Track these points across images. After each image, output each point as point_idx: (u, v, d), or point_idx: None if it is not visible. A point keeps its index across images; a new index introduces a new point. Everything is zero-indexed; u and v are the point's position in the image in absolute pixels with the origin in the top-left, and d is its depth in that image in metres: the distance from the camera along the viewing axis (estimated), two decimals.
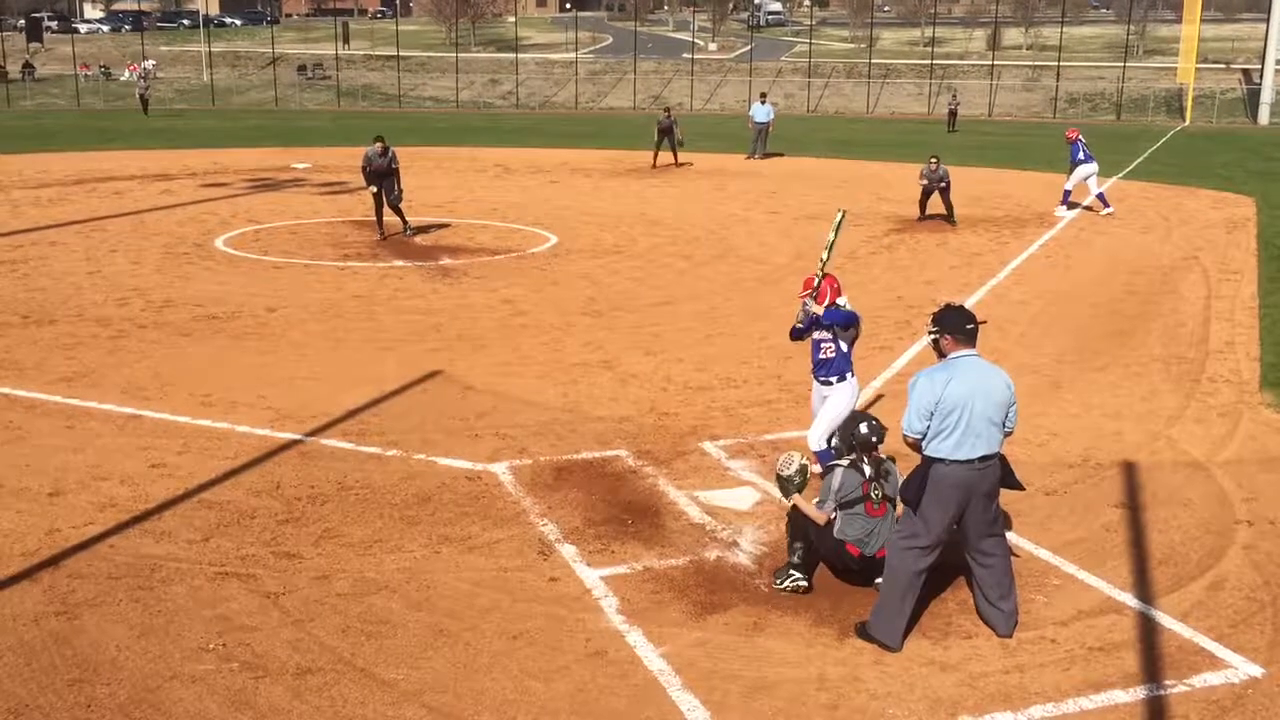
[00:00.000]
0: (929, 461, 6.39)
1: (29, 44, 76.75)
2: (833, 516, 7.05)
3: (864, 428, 7.17)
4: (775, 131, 35.67)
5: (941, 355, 6.62)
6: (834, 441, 7.32)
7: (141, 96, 52.73)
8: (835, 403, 8.76)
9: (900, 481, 6.88)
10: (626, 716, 5.84)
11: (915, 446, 6.49)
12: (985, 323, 6.87)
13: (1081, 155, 23.24)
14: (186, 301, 14.94)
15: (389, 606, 6.91)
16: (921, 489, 6.38)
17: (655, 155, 32.08)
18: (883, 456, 7.25)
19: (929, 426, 6.35)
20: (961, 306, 6.71)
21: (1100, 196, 23.35)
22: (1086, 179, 23.34)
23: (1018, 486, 6.78)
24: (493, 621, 6.74)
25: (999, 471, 6.53)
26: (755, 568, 7.49)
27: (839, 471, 7.10)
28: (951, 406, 6.30)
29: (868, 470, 7.08)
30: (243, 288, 15.87)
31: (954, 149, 38.38)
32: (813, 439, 8.88)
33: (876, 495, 7.03)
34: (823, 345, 8.82)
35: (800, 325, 8.76)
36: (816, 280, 8.89)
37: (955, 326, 6.51)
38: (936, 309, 6.80)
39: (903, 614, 6.47)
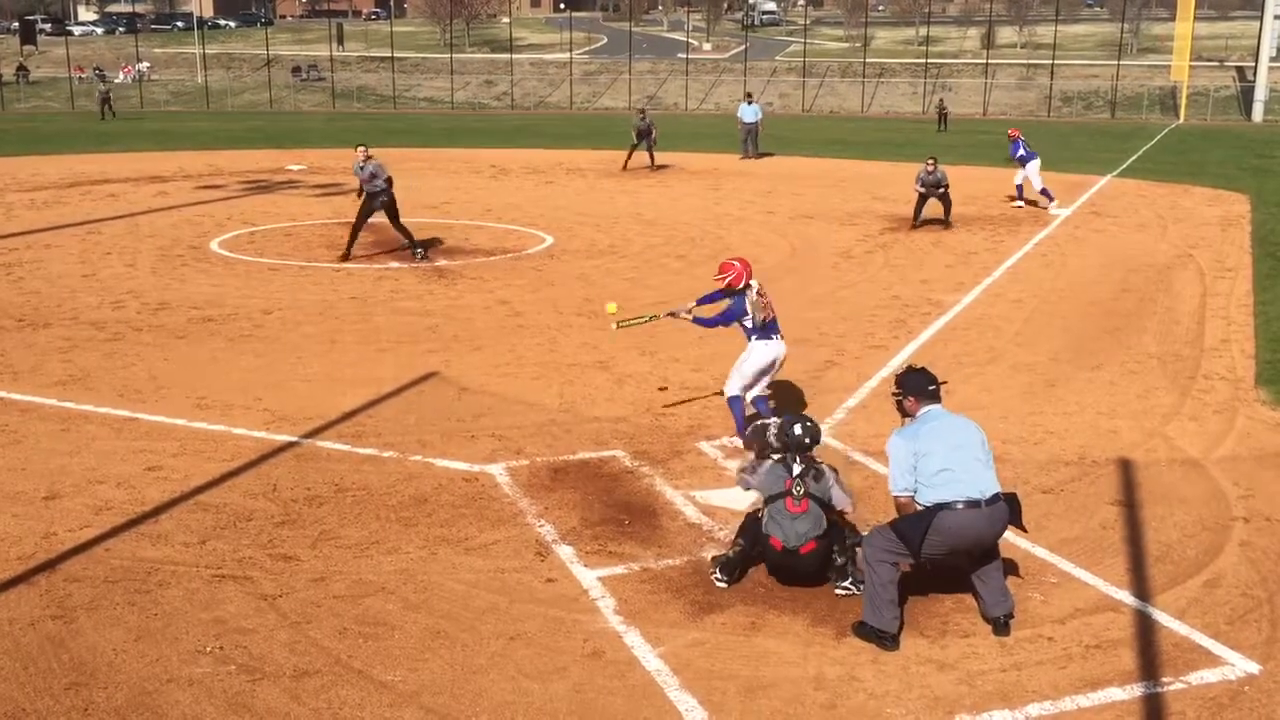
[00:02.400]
0: (934, 509, 6.41)
1: (22, 46, 76.68)
2: (760, 513, 7.19)
3: (798, 429, 7.25)
4: (768, 131, 35.73)
5: (906, 415, 6.82)
6: (770, 435, 7.39)
7: (103, 98, 50.25)
8: (742, 356, 9.83)
9: (833, 484, 7.16)
10: (624, 717, 5.84)
11: (909, 506, 6.54)
12: (946, 383, 7.02)
13: (1022, 151, 24.14)
14: (182, 304, 14.93)
15: (386, 608, 6.90)
16: (923, 536, 6.41)
17: (629, 157, 31.63)
18: (818, 460, 7.31)
19: (916, 481, 6.46)
20: (923, 369, 6.89)
21: (1019, 187, 24.62)
22: (1029, 175, 24.24)
23: (1021, 528, 6.81)
24: (490, 623, 6.74)
25: (1006, 514, 6.54)
26: (752, 567, 7.48)
27: (767, 464, 7.21)
28: (930, 451, 6.45)
29: (795, 469, 7.13)
30: (238, 290, 15.85)
31: (947, 148, 38.44)
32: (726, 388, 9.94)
33: (798, 492, 7.05)
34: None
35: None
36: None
37: (918, 388, 6.73)
38: (899, 373, 7.01)
39: (892, 603, 6.48)
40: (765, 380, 9.91)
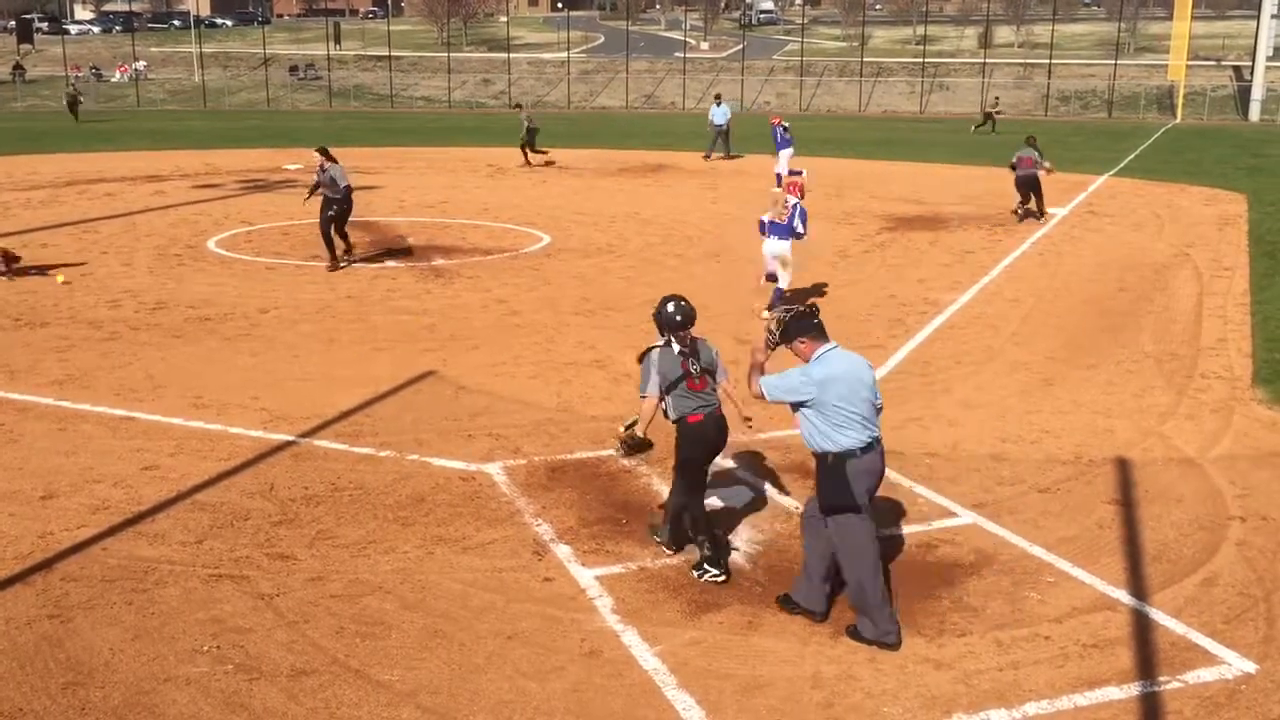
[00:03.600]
0: (841, 459, 6.46)
1: (19, 45, 76.55)
2: (663, 406, 7.25)
3: (670, 307, 7.29)
4: (765, 131, 35.57)
5: (804, 359, 6.74)
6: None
7: (71, 100, 47.67)
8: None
9: (715, 357, 7.36)
10: (622, 716, 5.84)
11: (824, 454, 6.51)
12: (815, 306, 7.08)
13: (778, 139, 26.30)
14: (179, 303, 14.91)
15: (383, 608, 6.90)
16: (848, 490, 6.46)
17: (525, 153, 31.59)
18: (695, 336, 7.41)
19: (814, 405, 6.46)
20: (799, 309, 6.83)
21: (780, 176, 25.54)
22: (781, 161, 26.42)
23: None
24: (488, 622, 6.74)
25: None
26: (749, 566, 7.49)
27: (655, 353, 7.29)
28: (839, 399, 6.45)
29: (675, 347, 7.25)
30: (235, 289, 15.84)
31: (946, 146, 38.46)
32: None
33: (695, 370, 7.22)
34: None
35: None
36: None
37: (810, 329, 6.71)
38: (780, 324, 6.88)
39: (877, 581, 6.53)
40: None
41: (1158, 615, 6.87)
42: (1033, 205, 22.55)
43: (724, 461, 9.34)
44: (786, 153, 26.57)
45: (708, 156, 33.91)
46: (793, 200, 14.17)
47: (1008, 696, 6.01)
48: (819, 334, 6.69)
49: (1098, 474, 9.19)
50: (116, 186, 26.96)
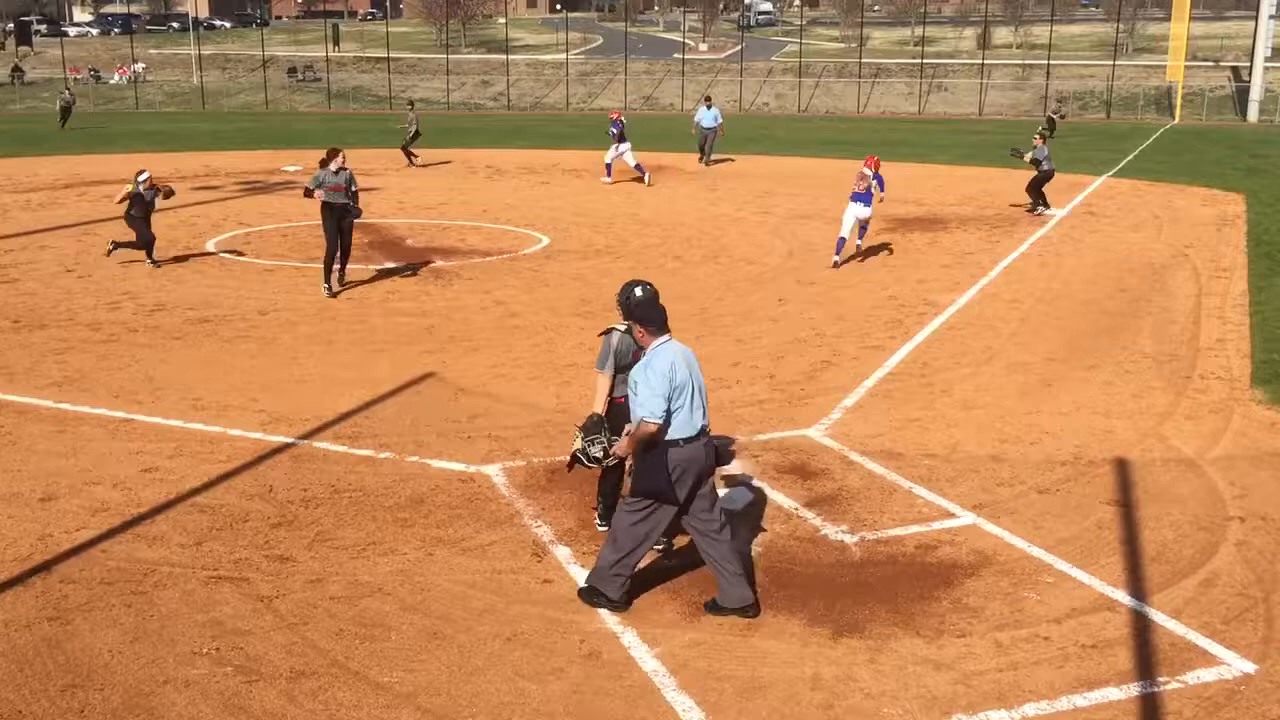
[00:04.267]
0: (665, 447, 6.55)
1: (17, 47, 76.54)
2: (613, 380, 7.46)
3: (639, 291, 7.33)
4: (768, 132, 35.51)
5: (643, 345, 6.84)
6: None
7: (63, 106, 44.66)
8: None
9: None
10: (621, 718, 5.84)
11: (657, 435, 6.54)
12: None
13: (615, 132, 27.96)
14: (178, 305, 14.91)
15: (383, 609, 6.90)
16: (664, 477, 6.57)
17: (409, 154, 31.70)
18: None
19: (667, 410, 6.52)
20: (654, 300, 6.91)
21: (609, 166, 28.20)
22: (622, 154, 27.86)
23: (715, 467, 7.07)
24: (487, 624, 6.74)
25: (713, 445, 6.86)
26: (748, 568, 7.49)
27: (616, 335, 7.49)
28: (682, 387, 6.58)
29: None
30: (234, 291, 15.84)
31: (945, 147, 38.48)
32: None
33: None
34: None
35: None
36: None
37: (656, 319, 6.77)
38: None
39: (631, 563, 6.75)
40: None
41: (1157, 616, 6.87)
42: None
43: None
44: (624, 146, 28.11)
45: (706, 163, 32.90)
46: (869, 172, 17.55)
47: (1007, 697, 6.01)
48: (660, 326, 6.77)
49: (1097, 475, 9.19)
50: (115, 188, 26.85)
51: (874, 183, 17.54)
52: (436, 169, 31.49)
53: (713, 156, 33.17)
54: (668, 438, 6.56)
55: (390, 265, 17.74)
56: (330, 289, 15.45)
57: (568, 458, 7.22)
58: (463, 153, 36.12)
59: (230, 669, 6.21)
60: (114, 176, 29.06)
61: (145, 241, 17.36)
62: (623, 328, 7.51)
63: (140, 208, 17.18)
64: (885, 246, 19.46)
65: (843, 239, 17.73)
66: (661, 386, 6.48)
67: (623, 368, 7.41)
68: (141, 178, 17.29)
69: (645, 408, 6.49)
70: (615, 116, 29.14)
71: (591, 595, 6.91)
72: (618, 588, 6.79)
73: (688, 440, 6.60)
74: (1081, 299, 15.68)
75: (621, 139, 28.20)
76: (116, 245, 17.51)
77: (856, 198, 17.51)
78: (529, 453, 9.55)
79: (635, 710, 5.90)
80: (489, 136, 42.41)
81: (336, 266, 15.52)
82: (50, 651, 6.37)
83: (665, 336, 6.75)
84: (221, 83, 67.41)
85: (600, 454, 7.01)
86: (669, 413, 6.52)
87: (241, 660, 6.30)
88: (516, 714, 5.85)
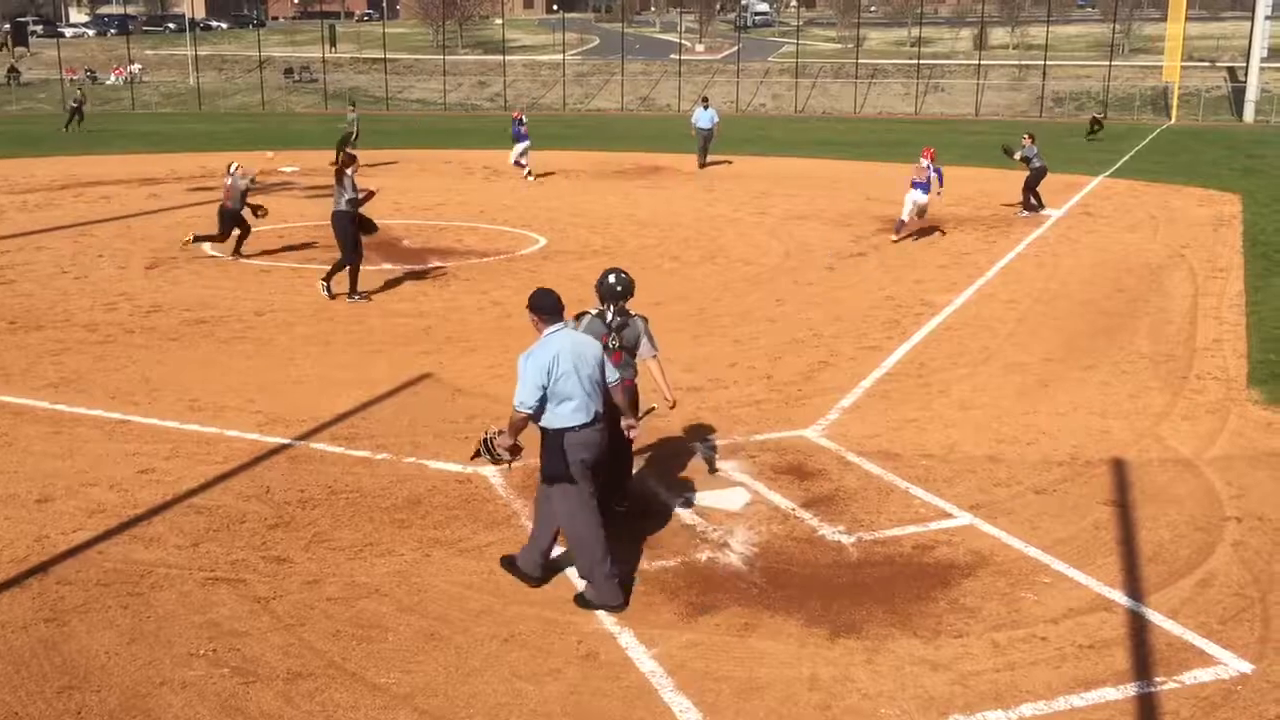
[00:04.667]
0: (559, 433, 6.83)
1: (14, 48, 76.43)
2: None
3: (612, 278, 7.82)
4: (764, 133, 35.39)
5: (538, 331, 7.12)
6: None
7: (74, 108, 43.64)
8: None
9: (642, 332, 7.87)
10: (619, 718, 5.84)
11: (527, 422, 6.87)
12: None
13: (516, 130, 29.25)
14: (174, 306, 14.90)
15: (380, 610, 6.89)
16: (564, 461, 6.83)
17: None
18: (628, 310, 7.91)
19: (542, 399, 6.76)
20: (548, 290, 7.12)
21: (519, 164, 29.33)
22: (523, 153, 29.34)
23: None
24: (484, 624, 6.74)
25: (609, 430, 7.12)
26: (746, 569, 7.49)
27: (586, 319, 7.81)
28: (561, 375, 6.77)
29: (610, 318, 7.80)
30: (231, 292, 15.82)
31: (942, 148, 38.47)
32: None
33: (614, 344, 7.76)
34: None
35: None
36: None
37: (548, 307, 7.00)
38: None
39: (608, 568, 6.91)
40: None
41: (1154, 616, 6.87)
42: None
43: (720, 463, 9.36)
44: (522, 145, 29.39)
45: (703, 165, 32.36)
46: (926, 163, 19.74)
47: (1004, 697, 6.02)
48: (553, 315, 6.99)
49: (1094, 475, 9.20)
50: (112, 189, 26.92)
51: (933, 175, 19.70)
52: (435, 170, 31.45)
53: (707, 159, 32.67)
54: (563, 425, 6.82)
55: (387, 266, 17.72)
56: (365, 295, 15.33)
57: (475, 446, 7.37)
58: (459, 153, 36.10)
59: (227, 670, 6.20)
60: (110, 178, 29.05)
61: (231, 233, 17.94)
62: (594, 311, 7.88)
63: (235, 199, 17.66)
64: (882, 248, 19.46)
65: (902, 221, 20.19)
66: (536, 378, 6.73)
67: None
68: (233, 167, 17.79)
69: (517, 397, 6.80)
70: (517, 116, 30.17)
71: (586, 599, 6.98)
72: (607, 580, 6.94)
73: (582, 426, 6.84)
74: (1078, 299, 15.69)
75: (522, 138, 29.33)
76: (198, 238, 18.09)
77: (916, 185, 19.79)
78: (526, 453, 9.52)
79: (633, 711, 5.90)
80: (486, 137, 42.39)
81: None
82: (47, 653, 6.36)
83: (557, 325, 6.98)
84: (218, 84, 67.36)
85: (503, 454, 7.11)
86: (545, 402, 6.78)
87: (238, 661, 6.29)
88: (514, 715, 5.85)
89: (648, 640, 6.56)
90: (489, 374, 11.91)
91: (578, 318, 7.82)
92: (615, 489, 8.02)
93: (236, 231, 18.00)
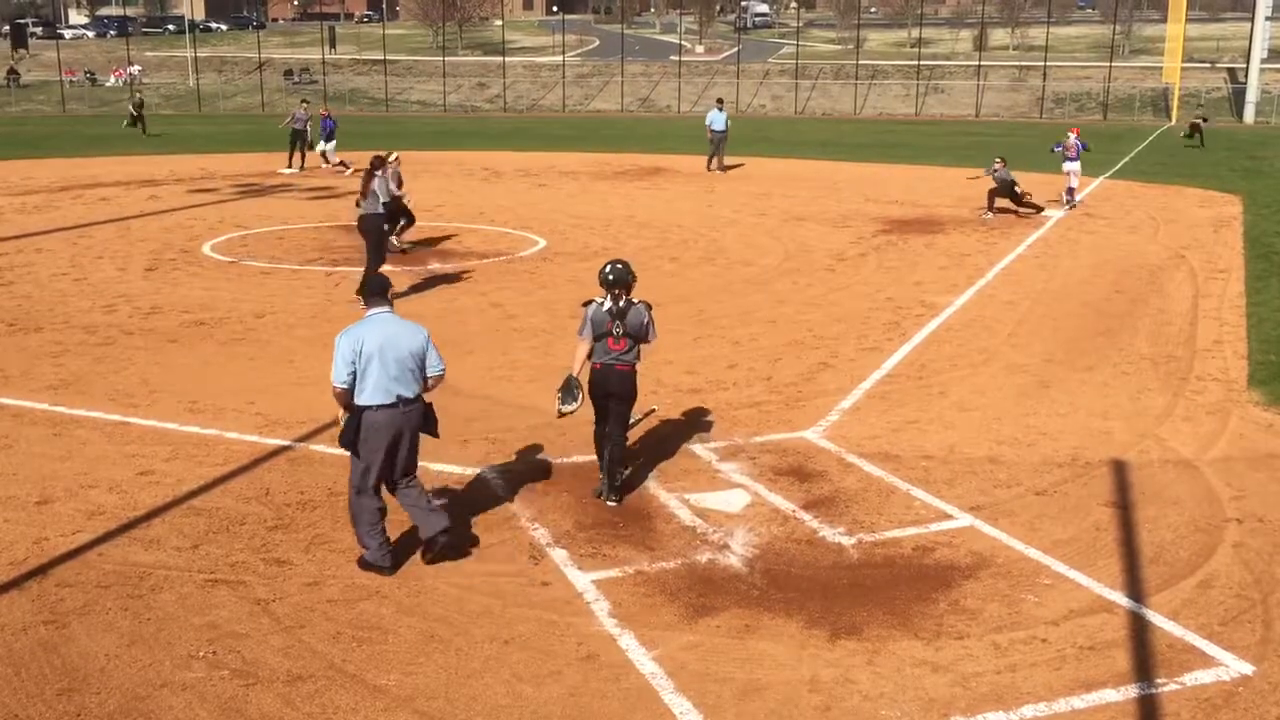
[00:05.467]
0: (360, 410, 7.23)
1: (14, 50, 76.43)
2: (590, 344, 8.40)
3: (606, 268, 8.47)
4: (761, 133, 35.32)
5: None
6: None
7: (135, 114, 43.33)
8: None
9: (644, 320, 8.44)
10: None
11: (343, 398, 7.30)
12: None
13: (328, 128, 30.64)
14: (174, 308, 14.89)
15: (380, 612, 6.89)
16: (357, 435, 7.26)
17: (300, 155, 31.14)
18: (632, 299, 8.47)
19: (354, 375, 7.20)
20: (380, 275, 7.74)
21: (335, 161, 30.30)
22: (328, 148, 30.49)
23: (434, 433, 7.66)
24: (484, 626, 6.73)
25: (420, 415, 7.45)
26: (746, 570, 7.49)
27: (593, 307, 8.44)
28: (369, 355, 7.18)
29: (608, 304, 8.37)
30: (230, 294, 15.82)
31: (942, 150, 38.47)
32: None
33: (617, 331, 8.37)
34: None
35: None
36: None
37: (373, 290, 7.58)
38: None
39: (376, 537, 7.34)
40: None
41: (1155, 617, 6.87)
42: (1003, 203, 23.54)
43: (720, 465, 9.35)
44: (331, 143, 30.95)
45: (710, 168, 31.85)
46: (1074, 139, 23.72)
47: (1005, 699, 6.01)
48: (378, 300, 7.51)
49: (1094, 476, 9.19)
50: (111, 191, 26.92)
51: (1080, 148, 23.71)
52: (433, 173, 31.44)
53: (725, 162, 32.02)
54: (361, 403, 7.23)
55: (386, 268, 17.69)
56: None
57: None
58: (459, 155, 36.10)
59: (227, 672, 6.19)
60: (109, 179, 29.05)
61: (406, 221, 18.88)
62: (599, 300, 8.42)
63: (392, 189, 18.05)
64: (882, 249, 19.45)
65: (1072, 188, 24.06)
66: (344, 354, 7.21)
67: (597, 336, 8.36)
68: (392, 158, 18.24)
69: (332, 373, 7.30)
70: (325, 114, 31.49)
71: (364, 560, 7.41)
72: (377, 545, 7.35)
73: (380, 406, 7.21)
74: (1078, 300, 15.69)
75: (330, 137, 30.72)
76: (399, 237, 18.90)
77: (1070, 159, 23.71)
78: (526, 455, 9.54)
79: (633, 713, 5.89)
80: (485, 139, 42.41)
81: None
82: (46, 655, 6.35)
83: (378, 309, 7.45)
84: (217, 85, 67.37)
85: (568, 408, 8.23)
86: (355, 378, 7.20)
87: (238, 663, 6.28)
88: (514, 717, 5.84)
89: (648, 642, 6.56)
90: (488, 375, 11.91)
91: (585, 305, 8.51)
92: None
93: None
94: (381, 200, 15.21)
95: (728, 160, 32.25)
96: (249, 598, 7.02)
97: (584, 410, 8.51)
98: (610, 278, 8.41)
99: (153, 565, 7.46)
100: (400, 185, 18.55)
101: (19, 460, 9.34)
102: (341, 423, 7.45)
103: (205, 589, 7.13)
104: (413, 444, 7.45)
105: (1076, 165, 23.85)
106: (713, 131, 32.00)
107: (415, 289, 16.20)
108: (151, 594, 7.06)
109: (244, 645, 6.47)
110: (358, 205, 15.55)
